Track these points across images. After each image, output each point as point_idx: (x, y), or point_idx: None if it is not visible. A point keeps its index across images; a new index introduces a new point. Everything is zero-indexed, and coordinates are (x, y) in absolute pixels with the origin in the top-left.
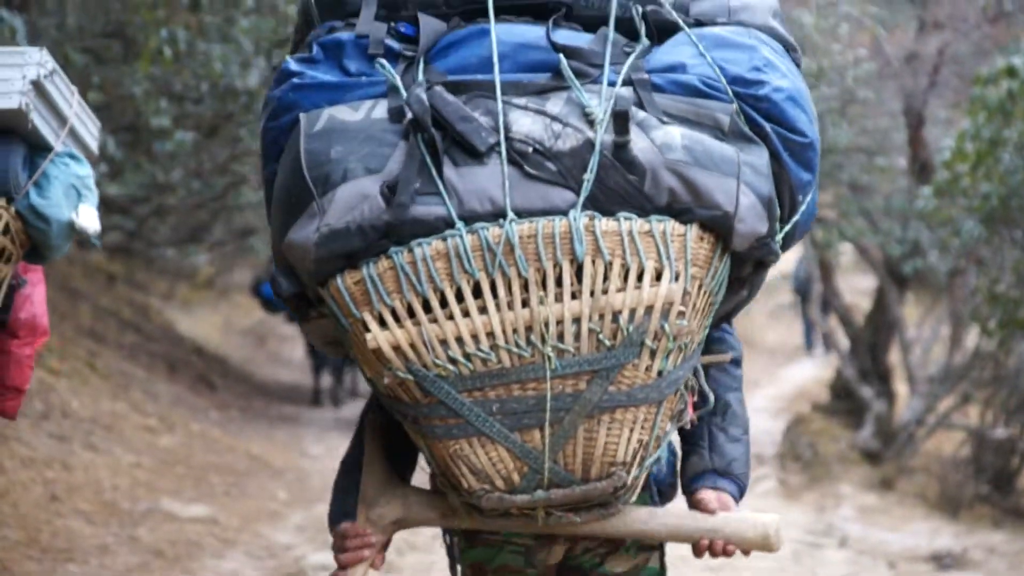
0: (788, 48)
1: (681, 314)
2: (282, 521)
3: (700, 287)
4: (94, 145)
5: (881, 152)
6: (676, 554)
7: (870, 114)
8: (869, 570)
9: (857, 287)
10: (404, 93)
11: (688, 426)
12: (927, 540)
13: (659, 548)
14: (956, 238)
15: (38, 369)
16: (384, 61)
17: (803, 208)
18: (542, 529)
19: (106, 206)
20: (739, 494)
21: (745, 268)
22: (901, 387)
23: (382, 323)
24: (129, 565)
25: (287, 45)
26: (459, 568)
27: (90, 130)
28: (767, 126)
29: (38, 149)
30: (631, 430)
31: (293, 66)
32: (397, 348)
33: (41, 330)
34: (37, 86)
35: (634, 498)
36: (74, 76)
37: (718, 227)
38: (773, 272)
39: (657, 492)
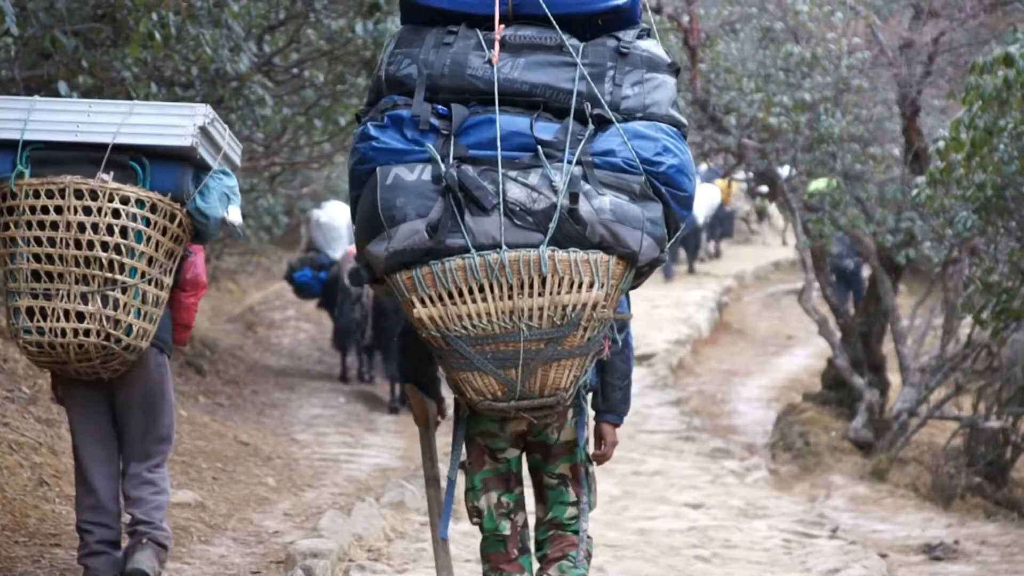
0: (680, 127)
1: (603, 307)
2: (270, 507)
3: (615, 289)
4: (238, 160)
5: (875, 141)
6: (666, 543)
7: (864, 103)
8: (860, 560)
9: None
10: (441, 164)
11: (605, 358)
12: (919, 531)
13: (582, 428)
14: (950, 228)
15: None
16: (432, 138)
17: (682, 228)
18: (517, 424)
19: None
20: (619, 419)
21: (643, 270)
22: (894, 377)
23: (423, 303)
24: None
25: (277, 30)
26: (461, 428)
27: (236, 151)
28: (663, 189)
29: (202, 168)
30: (569, 370)
31: (372, 131)
32: (431, 318)
33: (201, 285)
34: (202, 130)
35: (570, 400)
36: (63, 59)
37: (628, 258)
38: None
39: (586, 390)
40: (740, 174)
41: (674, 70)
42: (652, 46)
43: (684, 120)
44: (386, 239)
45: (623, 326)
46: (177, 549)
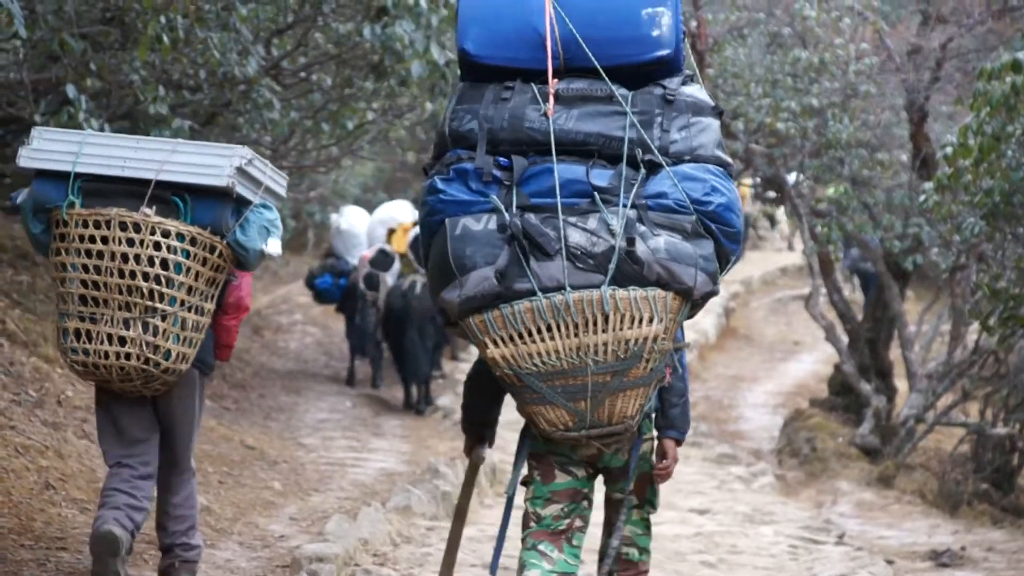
0: (726, 166)
1: (663, 339)
2: (276, 511)
3: (672, 322)
4: (282, 192)
5: (883, 147)
6: (672, 549)
7: (872, 108)
8: (867, 567)
9: (857, 283)
10: (505, 214)
11: (667, 385)
12: (925, 537)
13: (650, 440)
14: (957, 233)
15: (33, 357)
16: (495, 188)
17: (733, 260)
18: (588, 448)
19: None
20: (680, 435)
21: (698, 302)
22: (901, 383)
23: (495, 344)
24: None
25: (285, 34)
26: (526, 447)
27: (279, 183)
28: (713, 226)
29: (243, 203)
30: (635, 399)
31: (439, 184)
32: (503, 357)
33: (243, 308)
34: (239, 170)
35: (636, 427)
36: (71, 62)
37: (684, 293)
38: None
39: (650, 415)
40: (747, 179)
41: (717, 112)
42: (696, 91)
43: (729, 160)
44: (458, 287)
45: (678, 350)
46: None
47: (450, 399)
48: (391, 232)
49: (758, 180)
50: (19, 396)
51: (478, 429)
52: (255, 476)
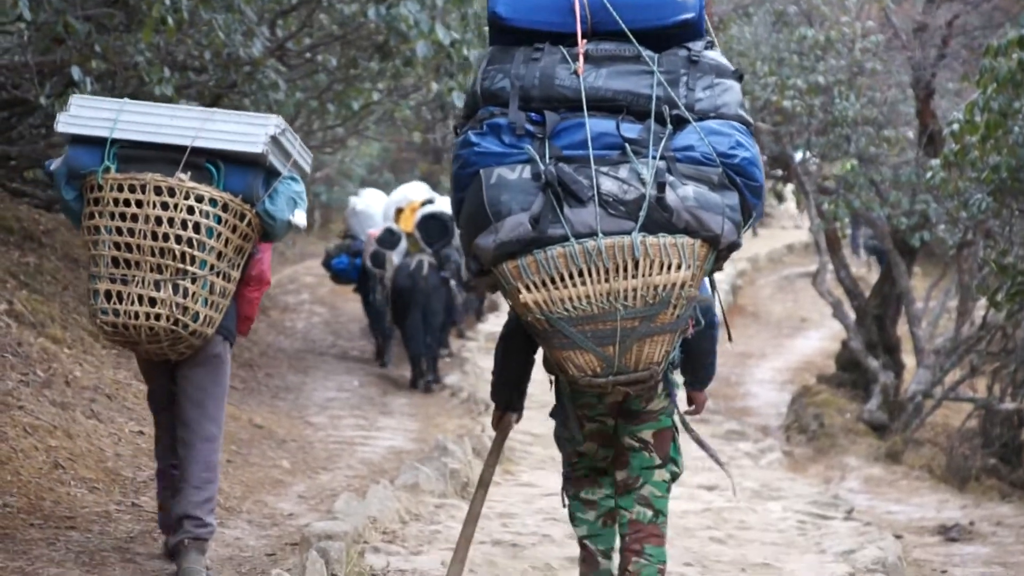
0: (748, 125)
1: (690, 286)
2: (285, 490)
3: (699, 269)
4: (308, 167)
5: (889, 124)
6: (680, 525)
7: (878, 85)
8: (875, 542)
9: (864, 259)
10: (540, 163)
11: (689, 336)
12: (934, 512)
13: (673, 396)
14: (964, 210)
15: (41, 338)
16: (528, 141)
17: (754, 215)
18: (614, 395)
19: None
20: (704, 386)
21: (723, 253)
22: (908, 359)
23: (528, 289)
24: (131, 533)
25: (290, 15)
26: (564, 403)
27: (306, 159)
28: (738, 179)
29: (272, 174)
30: (661, 345)
31: (473, 138)
32: (536, 303)
33: (265, 281)
34: (273, 139)
35: (661, 374)
36: (76, 44)
37: (711, 240)
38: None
39: (673, 366)
40: None
41: (738, 76)
42: (718, 55)
43: (751, 119)
44: (493, 232)
45: (708, 308)
46: None
47: (458, 377)
48: (399, 211)
49: (764, 158)
50: (27, 376)
51: (508, 394)
52: (264, 455)
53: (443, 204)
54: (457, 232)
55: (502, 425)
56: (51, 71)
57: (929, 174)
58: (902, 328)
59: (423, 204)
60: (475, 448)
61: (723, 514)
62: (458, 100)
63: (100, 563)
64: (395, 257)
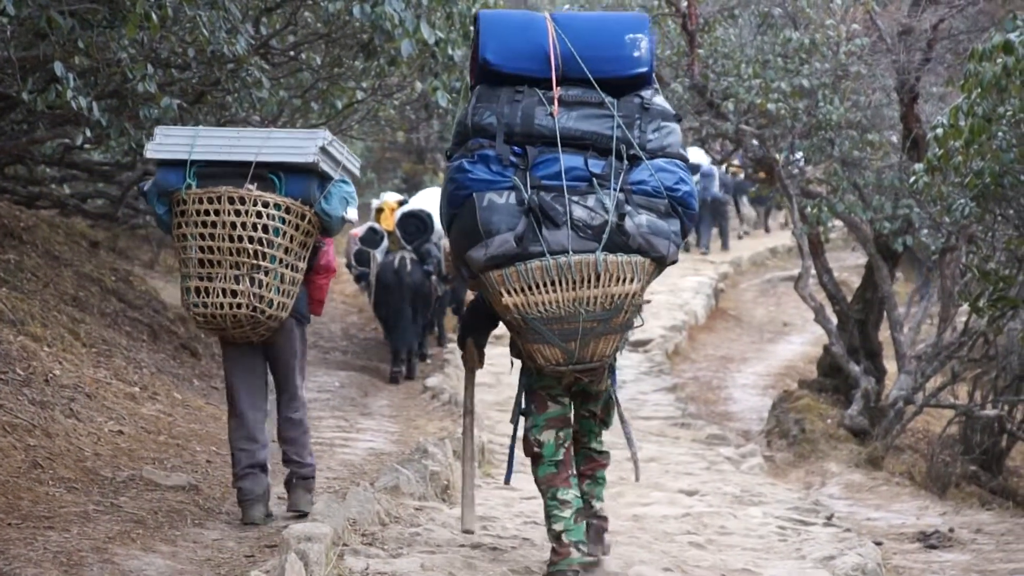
0: (685, 161)
1: (639, 296)
2: None
3: (646, 283)
4: (356, 171)
5: (873, 128)
6: (660, 529)
7: (863, 89)
8: (855, 548)
9: (846, 264)
10: (523, 191)
11: (630, 336)
12: (914, 519)
13: (614, 379)
14: (948, 215)
15: (21, 336)
16: (512, 171)
17: (687, 235)
18: (568, 378)
19: (89, 172)
20: None
21: (664, 267)
22: (890, 365)
23: (509, 294)
24: (110, 533)
25: (274, 12)
26: (525, 383)
27: (354, 164)
28: (680, 208)
29: (326, 178)
30: (613, 342)
31: (466, 166)
32: (515, 305)
33: (331, 270)
34: (323, 149)
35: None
36: (59, 40)
37: (659, 260)
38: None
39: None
40: (737, 160)
41: (677, 118)
42: (662, 101)
43: (688, 156)
44: (484, 247)
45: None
46: (171, 532)
47: (438, 379)
48: (379, 212)
49: (748, 161)
50: (6, 375)
51: (473, 334)
52: None
53: (418, 203)
54: (437, 230)
55: (469, 361)
56: (33, 67)
57: (913, 179)
58: (884, 333)
59: (400, 204)
60: (456, 451)
61: (703, 519)
62: (442, 100)
63: (78, 563)
64: (378, 255)
